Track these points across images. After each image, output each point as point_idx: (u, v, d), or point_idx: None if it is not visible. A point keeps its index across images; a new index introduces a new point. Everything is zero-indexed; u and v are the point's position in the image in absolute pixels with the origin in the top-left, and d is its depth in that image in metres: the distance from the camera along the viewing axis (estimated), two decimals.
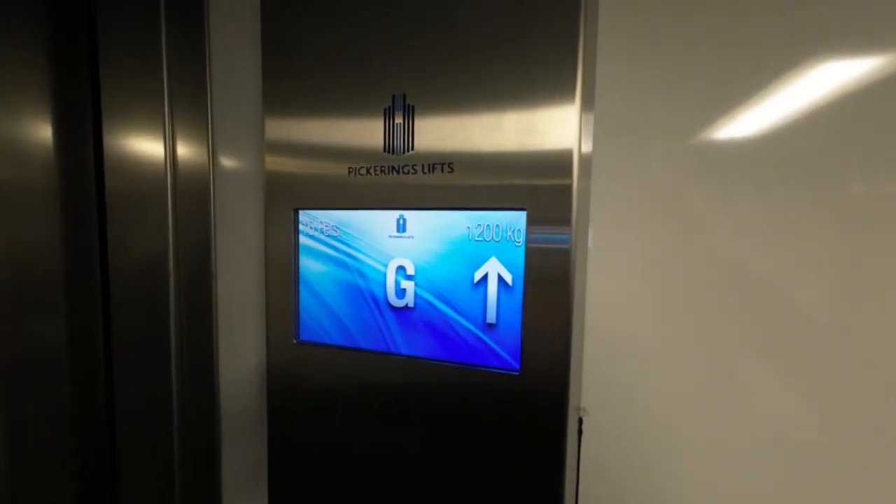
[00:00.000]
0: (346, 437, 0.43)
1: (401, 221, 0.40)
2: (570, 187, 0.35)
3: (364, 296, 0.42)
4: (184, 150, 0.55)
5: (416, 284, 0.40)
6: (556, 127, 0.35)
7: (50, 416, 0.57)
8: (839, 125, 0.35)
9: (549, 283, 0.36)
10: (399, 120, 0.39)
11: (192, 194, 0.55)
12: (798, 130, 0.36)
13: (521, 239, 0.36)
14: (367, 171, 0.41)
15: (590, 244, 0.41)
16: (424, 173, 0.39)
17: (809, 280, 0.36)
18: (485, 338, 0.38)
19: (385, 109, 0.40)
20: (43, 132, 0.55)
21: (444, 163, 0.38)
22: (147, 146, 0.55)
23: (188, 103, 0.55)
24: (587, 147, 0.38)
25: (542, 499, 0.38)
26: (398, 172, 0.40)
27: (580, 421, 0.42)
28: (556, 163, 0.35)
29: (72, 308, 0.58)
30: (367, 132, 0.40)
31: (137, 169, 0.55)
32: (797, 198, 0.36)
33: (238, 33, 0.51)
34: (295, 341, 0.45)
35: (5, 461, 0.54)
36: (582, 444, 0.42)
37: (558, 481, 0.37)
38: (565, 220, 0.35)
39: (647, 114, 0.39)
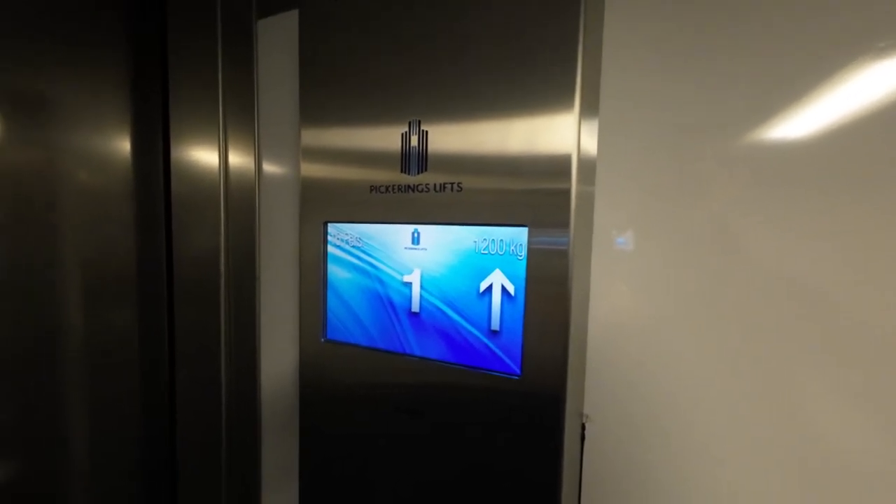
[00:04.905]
0: (366, 428, 0.48)
1: (415, 235, 0.45)
2: (568, 197, 0.37)
3: (382, 301, 0.47)
4: (234, 161, 0.63)
5: (428, 292, 0.44)
6: (555, 137, 0.37)
7: (122, 398, 0.67)
8: (865, 130, 0.34)
9: (548, 293, 0.38)
10: (414, 143, 0.44)
11: (241, 202, 0.63)
12: (818, 133, 0.35)
13: (523, 253, 0.39)
14: (387, 189, 0.45)
15: (594, 250, 0.43)
16: (436, 192, 0.43)
17: (820, 282, 0.36)
18: (489, 343, 0.41)
19: (402, 134, 0.44)
20: (123, 146, 0.65)
21: (453, 182, 0.42)
22: (205, 157, 0.63)
23: (239, 124, 0.62)
24: (589, 153, 0.40)
25: (541, 501, 0.40)
26: (413, 191, 0.44)
27: (583, 427, 0.44)
28: (556, 173, 0.37)
29: (142, 301, 0.68)
30: (387, 154, 0.45)
31: (197, 177, 0.64)
32: (815, 201, 0.35)
33: (281, 60, 0.58)
34: (323, 340, 0.50)
35: (89, 431, 0.64)
36: (585, 450, 0.44)
37: (556, 484, 0.39)
38: (564, 233, 0.37)
39: (656, 117, 0.40)
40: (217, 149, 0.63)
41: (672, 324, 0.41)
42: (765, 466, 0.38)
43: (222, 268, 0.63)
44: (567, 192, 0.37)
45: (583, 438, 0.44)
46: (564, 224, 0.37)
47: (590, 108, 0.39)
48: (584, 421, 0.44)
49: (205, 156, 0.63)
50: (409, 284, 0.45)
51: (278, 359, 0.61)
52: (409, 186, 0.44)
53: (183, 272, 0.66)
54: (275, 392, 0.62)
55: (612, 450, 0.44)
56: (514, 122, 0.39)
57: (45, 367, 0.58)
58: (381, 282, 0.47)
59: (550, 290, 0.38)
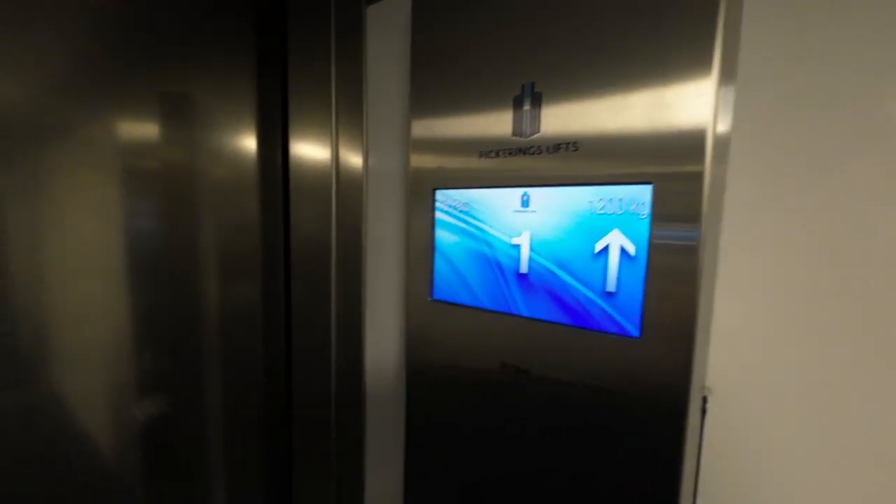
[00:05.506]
0: (471, 384, 0.50)
1: (525, 197, 0.45)
2: (701, 162, 0.35)
3: (489, 263, 0.48)
4: (344, 154, 0.69)
5: (537, 253, 0.45)
6: (689, 103, 0.35)
7: (248, 359, 0.78)
8: None
9: (674, 252, 0.37)
10: (527, 106, 0.44)
11: (350, 187, 0.68)
12: None
13: (647, 212, 0.38)
14: (496, 153, 0.46)
15: (724, 225, 0.40)
16: (549, 153, 0.43)
17: None
18: (603, 305, 0.41)
19: (514, 98, 0.45)
20: (250, 143, 0.74)
21: (569, 142, 0.42)
22: (318, 152, 0.70)
23: (349, 118, 0.68)
24: (725, 123, 0.37)
25: (660, 467, 0.39)
26: (524, 154, 0.44)
27: (704, 400, 0.41)
28: (688, 140, 0.35)
29: (264, 276, 0.77)
30: (498, 119, 0.46)
31: (312, 169, 0.71)
32: None
33: (387, 56, 0.62)
34: (429, 300, 0.54)
35: (221, 387, 0.75)
36: (706, 424, 0.42)
37: (677, 452, 0.38)
38: (694, 186, 0.35)
39: (802, 83, 0.36)
40: (329, 140, 0.68)
41: (808, 307, 0.37)
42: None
43: (333, 245, 0.70)
44: (701, 150, 0.35)
45: (703, 411, 0.41)
46: (695, 177, 0.35)
47: (728, 73, 0.36)
48: (705, 394, 0.41)
49: (318, 149, 0.69)
50: (517, 246, 0.46)
51: (384, 319, 0.67)
52: (519, 149, 0.45)
53: (299, 250, 0.74)
54: (380, 350, 0.68)
55: (733, 425, 0.41)
56: (641, 75, 0.37)
57: (187, 330, 0.69)
58: (488, 244, 0.48)
59: (677, 249, 0.36)
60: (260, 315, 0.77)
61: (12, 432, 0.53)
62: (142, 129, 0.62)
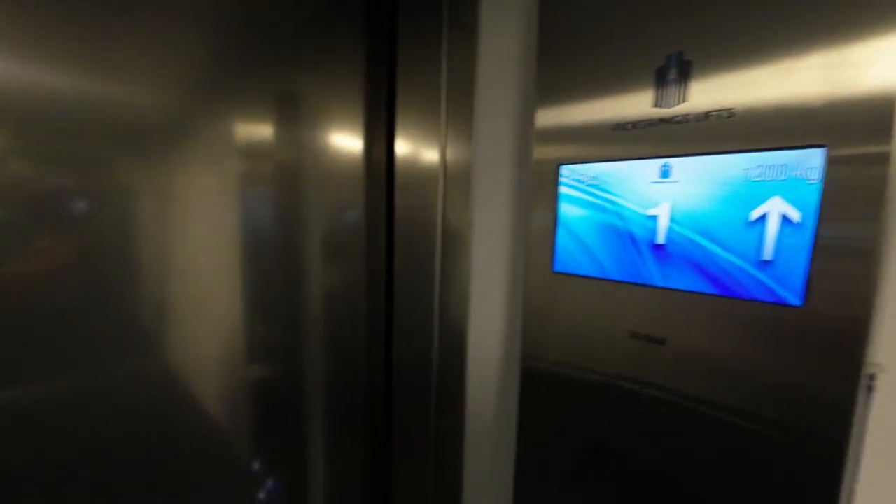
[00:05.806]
0: (598, 351, 0.52)
1: (664, 168, 0.45)
2: (889, 130, 0.33)
3: (620, 234, 0.49)
4: (454, 132, 0.71)
5: (678, 224, 0.45)
6: (874, 60, 0.34)
7: (353, 331, 0.83)
8: None
9: (849, 223, 0.35)
10: (672, 76, 0.44)
11: (458, 170, 0.70)
12: None
13: (817, 176, 0.36)
14: (633, 125, 0.47)
15: None
16: (697, 122, 0.43)
17: None
18: (757, 273, 0.40)
19: (657, 69, 0.45)
20: (356, 143, 0.79)
21: (721, 109, 0.41)
22: (423, 152, 0.73)
23: (458, 118, 0.70)
24: None
25: (822, 442, 0.37)
26: (667, 123, 0.45)
27: (871, 377, 0.39)
28: (873, 102, 0.34)
29: (368, 258, 0.83)
30: (637, 92, 0.46)
31: (416, 167, 0.75)
32: None
33: (502, 53, 0.65)
34: (551, 272, 0.56)
35: (325, 354, 0.80)
36: (873, 404, 0.39)
37: (843, 435, 0.36)
38: (879, 146, 0.34)
39: None
40: (437, 139, 0.71)
41: None
42: None
43: (438, 229, 0.73)
44: (884, 110, 0.33)
45: (870, 388, 0.39)
46: (879, 143, 0.33)
47: None
48: (874, 370, 0.39)
49: (423, 149, 0.72)
50: (653, 217, 0.46)
51: (493, 292, 0.70)
52: (661, 119, 0.45)
53: (403, 236, 0.77)
54: (490, 320, 0.71)
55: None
56: (813, 30, 0.36)
57: (297, 306, 0.75)
58: (619, 216, 0.49)
59: (853, 217, 0.35)
60: (363, 295, 0.83)
61: (135, 396, 0.58)
62: (257, 128, 0.66)
